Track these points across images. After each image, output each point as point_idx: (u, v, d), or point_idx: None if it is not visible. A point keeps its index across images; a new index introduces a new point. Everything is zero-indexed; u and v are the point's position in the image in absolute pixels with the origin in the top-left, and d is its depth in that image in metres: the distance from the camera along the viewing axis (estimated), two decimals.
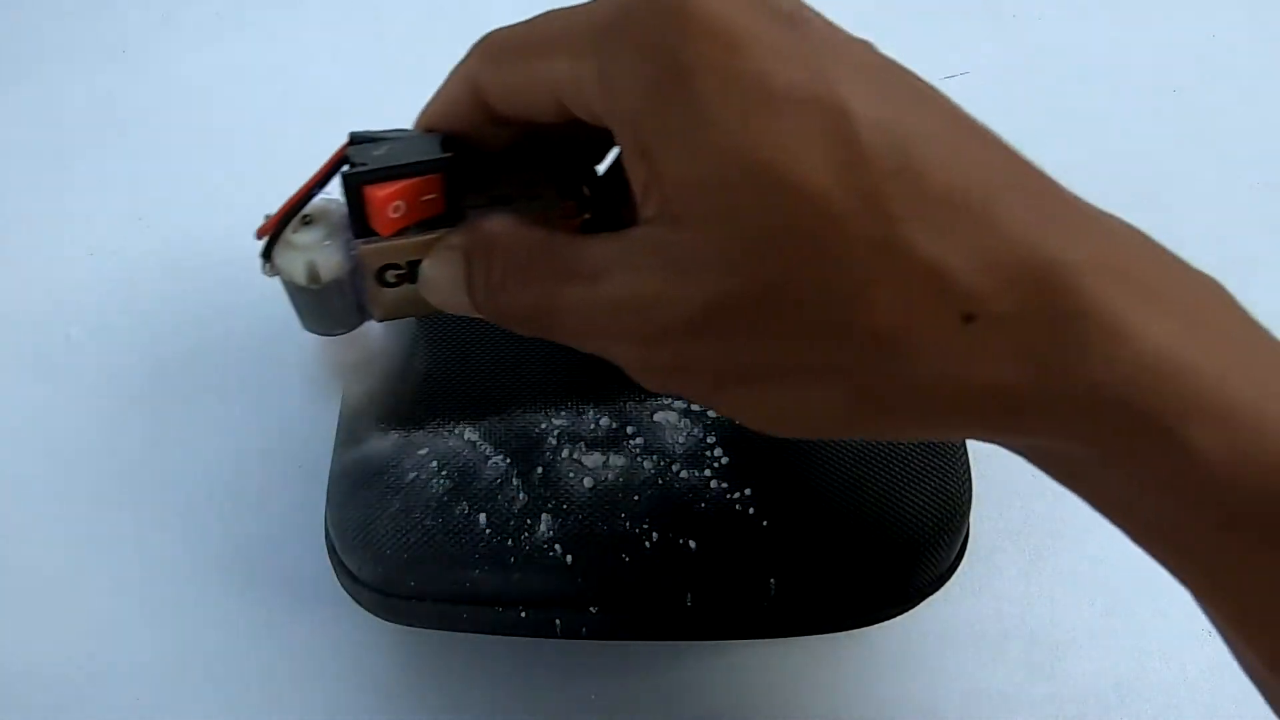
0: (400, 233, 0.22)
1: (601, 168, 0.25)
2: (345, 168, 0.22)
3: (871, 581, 0.29)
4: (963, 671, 0.33)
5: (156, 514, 0.36)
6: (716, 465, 0.30)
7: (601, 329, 0.20)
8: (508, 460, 0.30)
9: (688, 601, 0.29)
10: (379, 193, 0.22)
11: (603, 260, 0.20)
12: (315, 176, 0.23)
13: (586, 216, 0.24)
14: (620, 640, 0.32)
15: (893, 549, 0.29)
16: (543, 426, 0.30)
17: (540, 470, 0.30)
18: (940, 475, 0.30)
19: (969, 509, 0.30)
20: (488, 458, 0.30)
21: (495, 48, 0.22)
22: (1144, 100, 0.47)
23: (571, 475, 0.29)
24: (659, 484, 0.29)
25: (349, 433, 0.31)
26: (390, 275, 0.23)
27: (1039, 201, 0.18)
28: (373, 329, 0.26)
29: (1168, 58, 0.49)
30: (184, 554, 0.35)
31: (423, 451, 0.30)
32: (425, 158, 0.22)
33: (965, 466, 0.30)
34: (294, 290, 0.24)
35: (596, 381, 0.31)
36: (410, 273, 0.23)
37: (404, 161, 0.22)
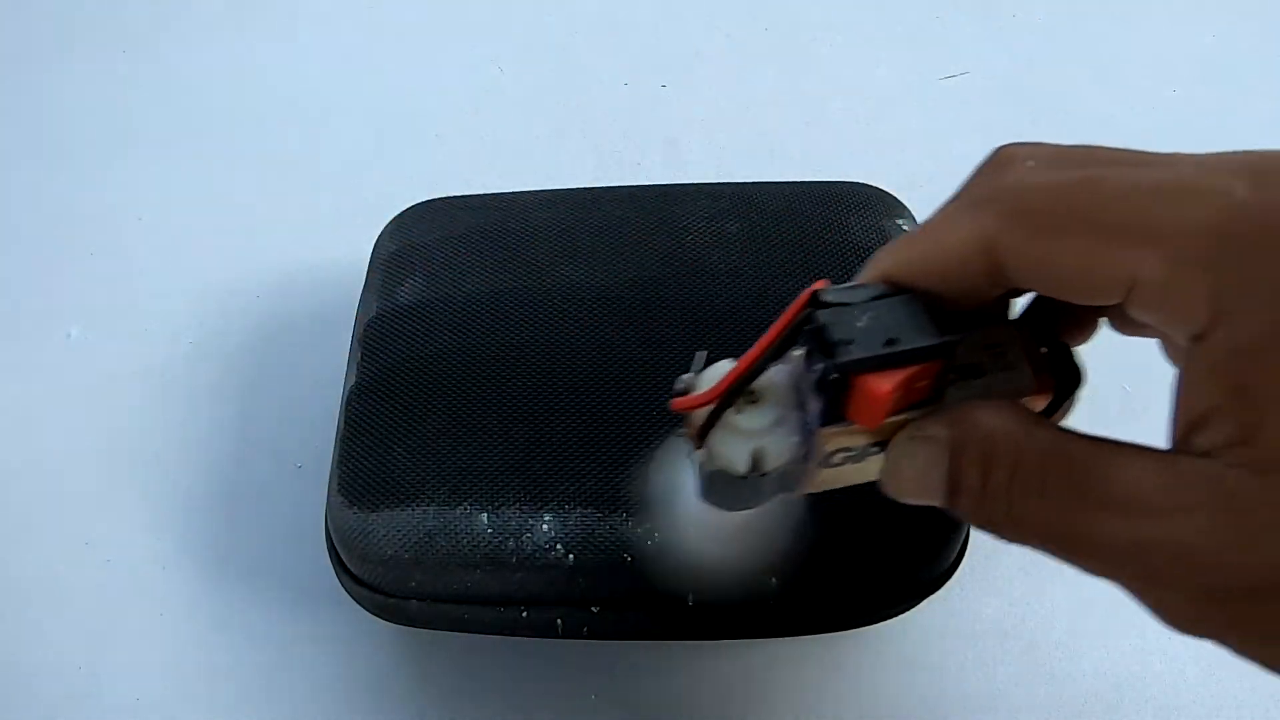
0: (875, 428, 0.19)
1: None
2: (816, 337, 0.18)
3: (872, 581, 0.29)
4: (963, 671, 0.33)
5: (156, 514, 0.36)
6: None
7: (1137, 571, 0.18)
8: (511, 460, 0.30)
9: (689, 601, 0.29)
10: (880, 387, 0.18)
11: (1142, 490, 0.17)
12: (765, 341, 0.19)
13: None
14: (622, 640, 0.32)
15: (893, 548, 0.29)
16: (548, 427, 0.30)
17: (542, 469, 0.29)
18: None
19: None
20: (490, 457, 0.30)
21: (1029, 213, 0.18)
22: (1144, 100, 0.47)
23: (574, 474, 0.29)
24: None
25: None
26: (839, 458, 0.20)
27: None
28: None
29: (1168, 58, 0.49)
30: (184, 554, 0.35)
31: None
32: (925, 339, 0.18)
33: None
34: (720, 479, 0.20)
35: (606, 381, 0.31)
36: (861, 452, 0.20)
37: (906, 347, 0.18)
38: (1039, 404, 0.20)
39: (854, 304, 0.19)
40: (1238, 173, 0.17)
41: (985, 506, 0.19)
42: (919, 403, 0.19)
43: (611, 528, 0.28)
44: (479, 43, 0.50)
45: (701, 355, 0.20)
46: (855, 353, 0.18)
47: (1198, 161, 0.19)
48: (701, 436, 0.19)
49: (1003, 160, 0.20)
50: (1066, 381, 0.20)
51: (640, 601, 0.29)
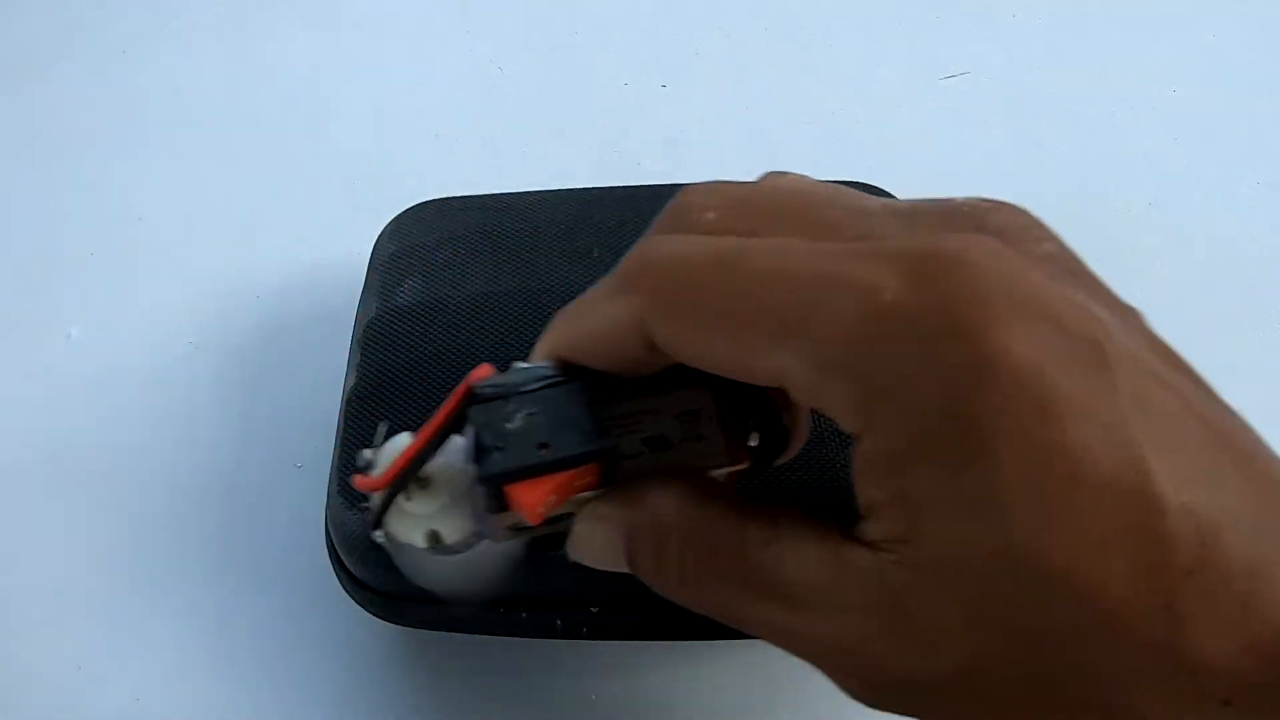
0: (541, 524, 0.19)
1: None
2: (474, 439, 0.19)
3: None
4: None
5: (156, 514, 0.36)
6: None
7: (806, 656, 0.18)
8: None
9: None
10: (528, 497, 0.18)
11: (807, 582, 0.17)
12: (426, 433, 0.19)
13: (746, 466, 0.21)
14: (621, 640, 0.32)
15: None
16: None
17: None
18: None
19: None
20: None
21: (673, 298, 0.18)
22: (1144, 100, 0.47)
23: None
24: None
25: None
26: (521, 526, 0.20)
27: None
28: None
29: (1168, 58, 0.49)
30: (183, 554, 0.35)
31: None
32: (578, 444, 0.18)
33: None
34: (408, 552, 0.21)
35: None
36: (550, 521, 0.20)
37: (557, 455, 0.18)
38: (740, 467, 0.20)
39: (512, 396, 0.19)
40: (895, 264, 0.16)
41: (662, 582, 0.19)
42: (594, 487, 0.19)
43: None
44: (479, 43, 0.50)
45: (383, 428, 0.20)
46: (501, 463, 0.18)
47: (861, 237, 0.18)
48: (378, 517, 0.20)
49: (677, 210, 0.20)
50: (770, 445, 0.20)
51: (640, 602, 0.29)
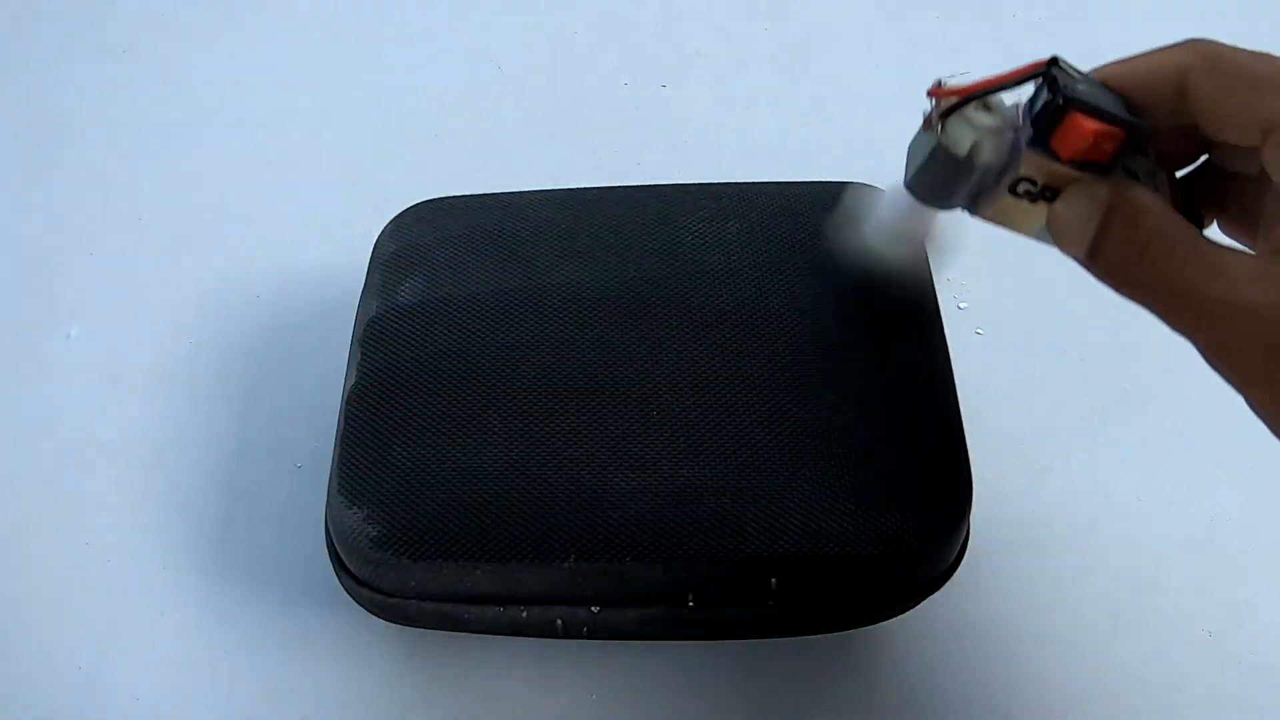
0: (1065, 161, 0.23)
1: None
2: (1049, 82, 0.23)
3: (872, 582, 0.29)
4: (963, 671, 0.33)
5: (156, 514, 0.36)
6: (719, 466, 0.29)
7: (1227, 326, 0.22)
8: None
9: (689, 601, 0.29)
10: (1084, 124, 0.23)
11: (1244, 270, 0.22)
12: (1014, 74, 0.24)
13: None
14: (621, 641, 0.32)
15: (893, 549, 0.29)
16: (547, 426, 0.30)
17: (540, 469, 0.29)
18: (941, 476, 0.30)
19: (969, 509, 0.30)
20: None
21: (1221, 63, 0.24)
22: None
23: (573, 474, 0.29)
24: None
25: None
26: (1022, 188, 0.24)
27: None
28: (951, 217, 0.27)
29: None
30: (183, 554, 0.35)
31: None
32: (1124, 114, 0.24)
33: (966, 467, 0.30)
34: (940, 157, 0.25)
35: (605, 381, 0.31)
36: (1039, 196, 0.24)
37: (1111, 110, 0.23)
38: None
39: (1078, 76, 0.24)
40: None
41: (1120, 261, 0.23)
42: (1095, 165, 0.23)
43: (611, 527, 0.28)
44: (479, 43, 0.50)
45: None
46: (1076, 92, 0.23)
47: None
48: (943, 118, 0.24)
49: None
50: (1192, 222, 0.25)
51: (640, 601, 0.29)
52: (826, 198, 0.35)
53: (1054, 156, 0.24)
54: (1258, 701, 0.32)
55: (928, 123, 0.25)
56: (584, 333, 0.32)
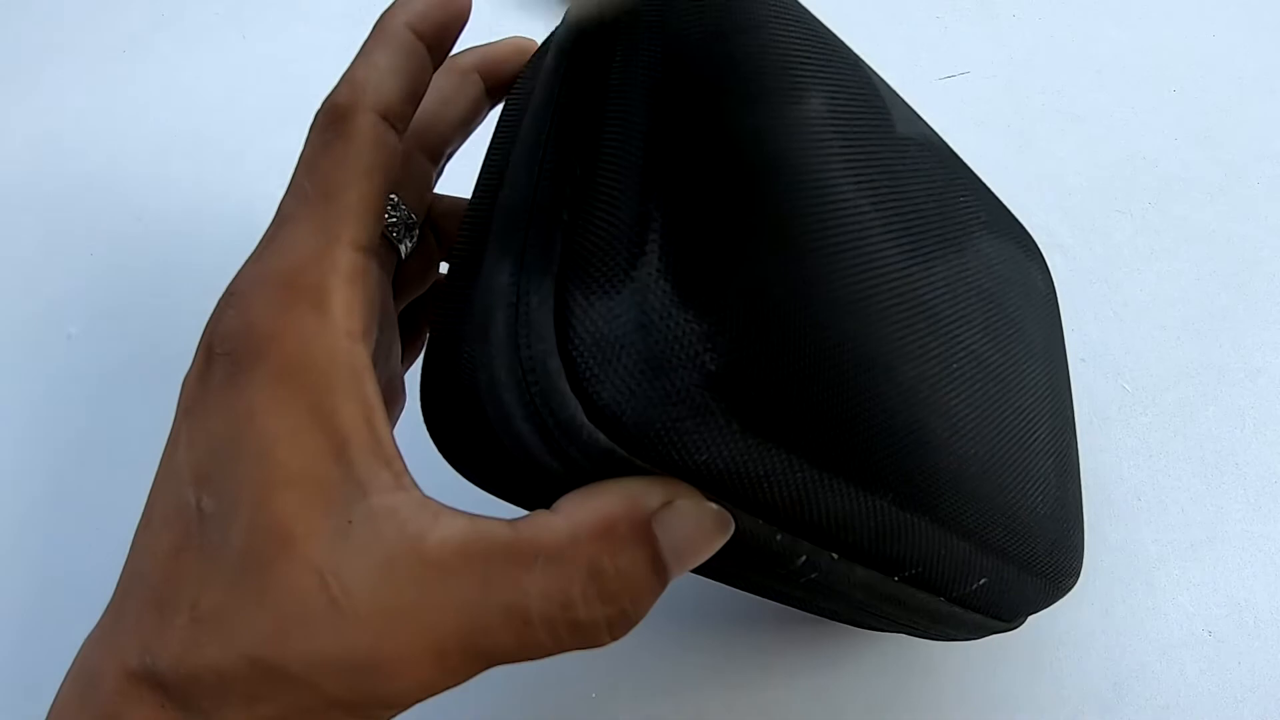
0: None
1: None
2: None
3: (1030, 609, 0.28)
4: (963, 671, 0.33)
5: None
6: None
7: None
8: None
9: (905, 572, 0.24)
10: None
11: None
12: None
13: None
14: (829, 597, 0.25)
15: (1067, 585, 0.28)
16: None
17: None
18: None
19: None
20: None
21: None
22: (1144, 100, 0.47)
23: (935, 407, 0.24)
24: None
25: None
26: None
27: None
28: None
29: (1168, 58, 0.49)
30: None
31: None
32: None
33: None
34: None
35: None
36: None
37: None
38: None
39: None
40: None
41: None
42: None
43: None
44: (478, 43, 0.50)
45: None
46: None
47: None
48: None
49: None
50: None
51: (868, 561, 0.23)
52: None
53: None
54: (1258, 701, 0.32)
55: None
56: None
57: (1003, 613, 0.27)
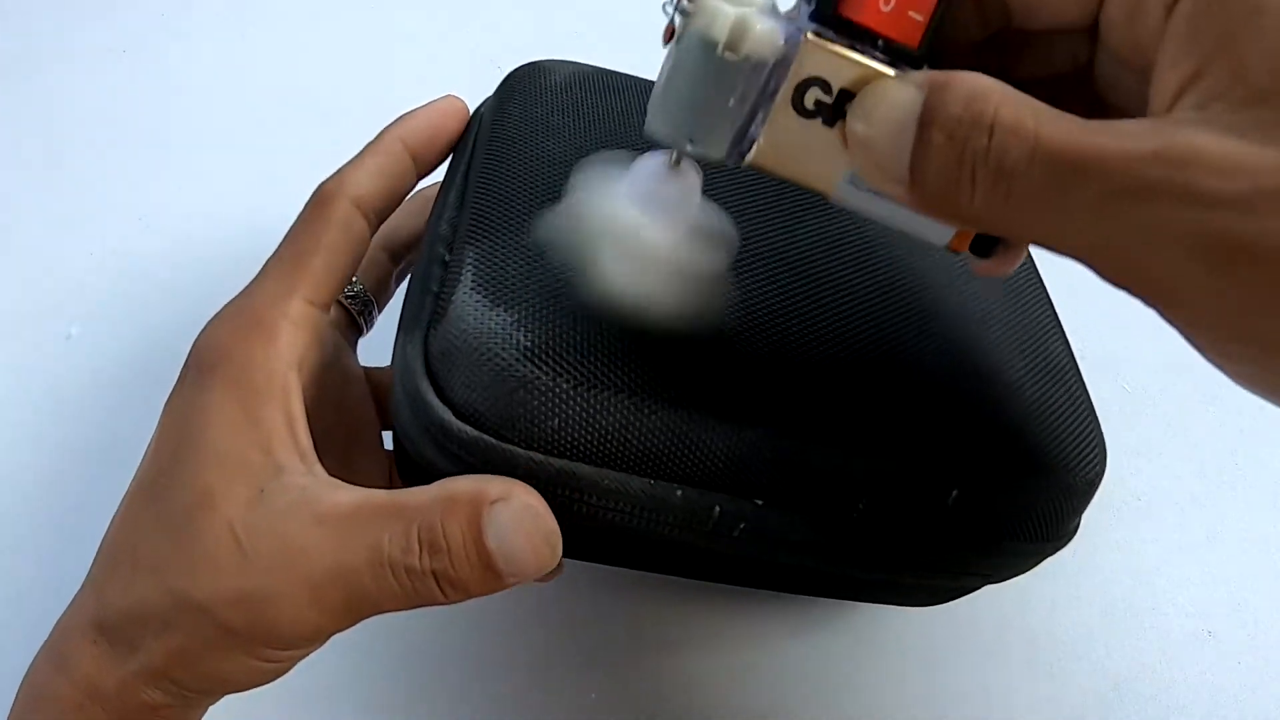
0: (862, 49, 0.17)
1: None
2: None
3: (1044, 517, 0.26)
4: (963, 671, 0.33)
5: None
6: None
7: (1132, 220, 0.16)
8: None
9: (860, 506, 0.24)
10: None
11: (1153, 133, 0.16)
12: None
13: None
14: (764, 557, 0.25)
15: (1077, 483, 0.26)
16: None
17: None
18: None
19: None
20: None
21: None
22: None
23: (771, 333, 0.25)
24: None
25: None
26: (811, 100, 0.18)
27: None
28: (706, 219, 0.21)
29: None
30: None
31: None
32: None
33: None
34: (692, 56, 0.18)
35: None
36: (834, 112, 0.18)
37: None
38: None
39: None
40: None
41: (949, 177, 0.17)
42: (902, 51, 0.18)
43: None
44: (479, 42, 0.50)
45: None
46: None
47: None
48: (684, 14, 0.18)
49: None
50: None
51: (807, 504, 0.24)
52: None
53: (848, 33, 0.17)
54: (1258, 701, 0.32)
55: (669, 32, 0.18)
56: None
57: (1018, 529, 0.25)
